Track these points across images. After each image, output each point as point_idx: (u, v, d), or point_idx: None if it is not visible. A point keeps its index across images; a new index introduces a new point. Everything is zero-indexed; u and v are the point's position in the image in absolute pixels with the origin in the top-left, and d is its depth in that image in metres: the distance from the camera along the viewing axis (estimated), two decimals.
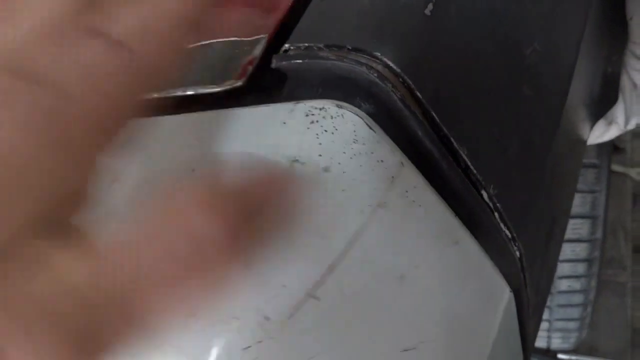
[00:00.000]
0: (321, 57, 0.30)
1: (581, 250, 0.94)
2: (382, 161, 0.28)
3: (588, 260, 0.95)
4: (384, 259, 0.28)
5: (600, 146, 0.91)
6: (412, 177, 0.29)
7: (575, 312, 1.00)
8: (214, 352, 0.23)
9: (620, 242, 1.42)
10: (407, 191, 0.29)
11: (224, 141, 0.29)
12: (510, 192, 0.35)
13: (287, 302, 0.24)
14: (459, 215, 0.32)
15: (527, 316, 0.40)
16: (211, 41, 0.35)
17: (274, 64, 0.31)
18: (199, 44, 0.36)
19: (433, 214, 0.30)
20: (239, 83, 0.32)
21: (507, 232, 0.35)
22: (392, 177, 0.28)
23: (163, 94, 0.34)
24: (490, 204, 0.34)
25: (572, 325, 1.02)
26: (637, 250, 1.54)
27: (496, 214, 0.34)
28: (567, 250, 0.91)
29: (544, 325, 1.01)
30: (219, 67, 0.33)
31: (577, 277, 0.96)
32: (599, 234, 0.94)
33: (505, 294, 0.34)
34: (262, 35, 0.34)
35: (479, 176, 0.33)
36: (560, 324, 1.02)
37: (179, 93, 0.34)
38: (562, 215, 0.50)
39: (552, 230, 0.46)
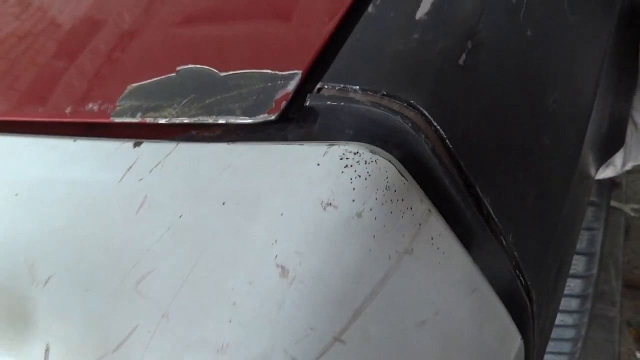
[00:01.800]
0: (356, 100, 0.31)
1: (575, 285, 0.95)
2: (411, 208, 0.29)
3: (582, 296, 0.96)
4: (407, 304, 0.28)
5: (601, 185, 0.92)
6: (438, 225, 0.30)
7: (566, 347, 1.00)
8: None
9: (612, 277, 1.44)
10: (432, 238, 0.30)
11: (257, 176, 0.30)
12: (526, 241, 0.36)
13: (314, 345, 0.25)
14: (478, 262, 0.32)
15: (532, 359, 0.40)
16: (245, 71, 0.36)
17: (308, 102, 0.32)
18: (234, 72, 0.36)
19: (455, 262, 0.31)
20: (272, 117, 0.33)
21: (522, 279, 0.36)
22: (420, 224, 0.29)
23: (195, 121, 0.35)
24: (508, 252, 0.34)
25: (563, 359, 1.02)
26: (627, 284, 1.56)
27: (512, 262, 0.35)
28: None
29: None
30: (252, 99, 0.34)
31: (570, 312, 0.97)
32: (594, 271, 0.95)
33: (517, 342, 0.35)
34: (296, 71, 0.34)
35: (499, 224, 0.33)
36: (550, 357, 1.02)
37: (211, 121, 0.35)
38: (568, 259, 0.51)
39: (560, 274, 0.47)
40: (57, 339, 0.29)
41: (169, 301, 0.27)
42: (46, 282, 0.31)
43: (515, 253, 0.35)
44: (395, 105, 0.30)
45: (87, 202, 0.34)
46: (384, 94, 0.31)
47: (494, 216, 0.33)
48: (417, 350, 0.28)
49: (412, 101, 0.30)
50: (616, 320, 1.40)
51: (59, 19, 0.48)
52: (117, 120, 0.38)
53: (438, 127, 0.30)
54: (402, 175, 0.29)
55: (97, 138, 0.38)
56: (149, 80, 0.39)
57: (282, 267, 0.26)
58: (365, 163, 0.28)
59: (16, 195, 0.36)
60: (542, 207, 0.39)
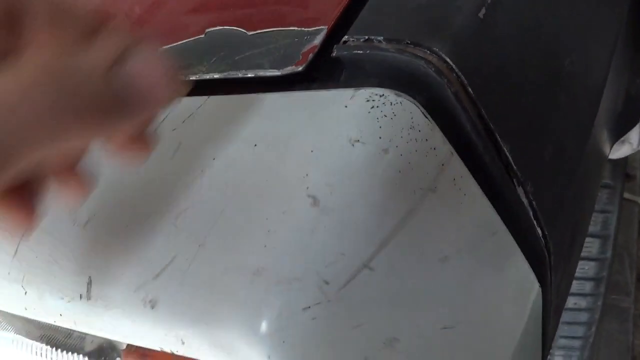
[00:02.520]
0: (381, 48, 0.32)
1: (589, 268, 0.96)
2: (434, 148, 0.30)
3: (595, 279, 0.96)
4: (431, 239, 0.30)
5: (615, 168, 0.92)
6: (460, 167, 0.31)
7: (579, 330, 1.01)
8: (277, 309, 0.25)
9: (626, 267, 1.43)
10: (454, 179, 0.31)
11: (287, 119, 0.31)
12: (544, 193, 0.37)
13: (345, 269, 0.26)
14: (497, 208, 0.34)
15: (549, 315, 0.41)
16: (274, 29, 0.37)
17: (335, 53, 0.34)
18: (262, 31, 0.38)
19: (475, 204, 0.32)
20: (299, 69, 0.34)
21: (539, 229, 0.37)
22: (442, 164, 0.30)
23: (225, 76, 0.37)
24: (526, 201, 0.36)
25: (576, 343, 1.03)
26: None
27: (531, 211, 0.36)
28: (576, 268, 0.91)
29: None
30: (280, 53, 0.35)
31: (583, 295, 0.97)
32: (608, 254, 0.95)
33: (535, 288, 0.36)
34: (322, 27, 0.36)
35: (518, 173, 0.35)
36: (564, 342, 1.03)
37: (240, 75, 0.36)
38: (584, 226, 0.52)
39: (575, 237, 0.48)
40: (99, 272, 0.30)
41: (206, 233, 0.28)
42: (87, 223, 0.33)
43: (533, 202, 0.36)
44: (418, 52, 0.31)
45: None
46: (407, 43, 0.32)
47: (512, 164, 0.34)
48: (439, 283, 0.30)
49: (435, 48, 0.31)
50: (630, 310, 1.40)
51: None
52: None
53: (460, 74, 0.31)
54: (426, 117, 0.30)
55: None
56: (179, 42, 0.41)
57: (314, 198, 0.27)
58: (391, 104, 0.30)
59: None
60: (558, 163, 0.40)
